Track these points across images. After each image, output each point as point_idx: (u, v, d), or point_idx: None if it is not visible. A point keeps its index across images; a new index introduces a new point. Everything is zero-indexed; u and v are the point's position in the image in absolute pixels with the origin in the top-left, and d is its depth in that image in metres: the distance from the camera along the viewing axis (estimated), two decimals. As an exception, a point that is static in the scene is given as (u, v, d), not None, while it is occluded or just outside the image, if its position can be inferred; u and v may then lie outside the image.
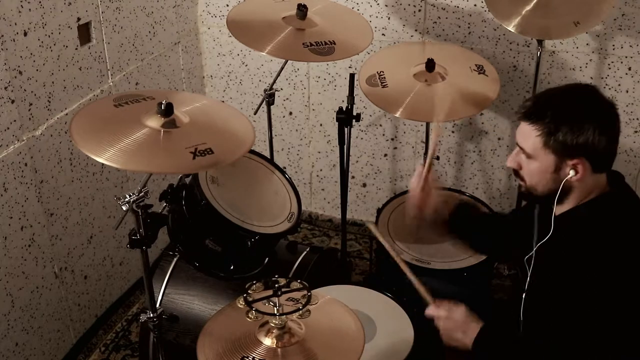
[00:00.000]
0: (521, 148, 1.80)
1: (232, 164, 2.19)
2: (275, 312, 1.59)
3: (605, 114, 1.76)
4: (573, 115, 1.73)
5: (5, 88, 2.21)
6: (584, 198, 1.80)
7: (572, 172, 1.75)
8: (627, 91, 2.86)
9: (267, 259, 2.31)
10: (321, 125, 3.34)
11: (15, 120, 2.27)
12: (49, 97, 2.41)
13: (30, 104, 2.33)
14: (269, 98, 2.75)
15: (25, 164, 2.34)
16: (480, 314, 1.92)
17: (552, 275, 1.83)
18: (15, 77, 2.24)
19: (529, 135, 1.76)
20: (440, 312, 1.91)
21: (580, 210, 1.80)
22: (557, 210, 1.81)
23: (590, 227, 1.78)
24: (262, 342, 1.59)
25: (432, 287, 2.31)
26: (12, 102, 2.24)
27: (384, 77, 2.52)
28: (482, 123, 3.10)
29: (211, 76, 3.40)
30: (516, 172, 1.85)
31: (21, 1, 2.21)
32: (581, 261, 1.74)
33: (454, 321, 1.89)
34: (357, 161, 3.34)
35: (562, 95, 1.79)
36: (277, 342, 1.59)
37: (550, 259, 1.85)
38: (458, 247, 2.34)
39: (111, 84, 2.71)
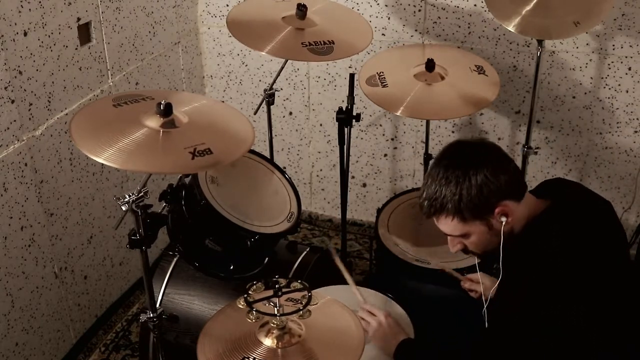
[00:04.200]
0: (452, 235, 1.85)
1: (231, 164, 2.19)
2: (276, 313, 1.59)
3: (480, 154, 1.79)
4: (459, 182, 1.75)
5: (5, 88, 2.21)
6: (523, 226, 1.81)
7: (503, 219, 1.77)
8: (627, 91, 2.86)
9: (267, 259, 2.31)
10: (321, 125, 3.34)
11: (15, 120, 2.27)
12: (49, 97, 2.41)
13: (30, 104, 2.33)
14: (269, 98, 2.75)
15: (25, 164, 2.34)
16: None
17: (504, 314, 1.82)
18: (15, 77, 2.24)
19: (447, 224, 1.82)
20: (377, 318, 1.97)
21: (520, 240, 1.80)
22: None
23: (525, 258, 1.77)
24: (262, 343, 1.59)
25: (431, 287, 2.31)
26: (12, 102, 2.24)
27: (384, 77, 2.52)
28: (482, 123, 3.10)
29: (211, 76, 3.40)
30: (465, 251, 1.89)
31: (21, 1, 2.21)
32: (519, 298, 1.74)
33: (383, 328, 1.95)
34: (357, 161, 3.34)
35: (439, 177, 1.80)
36: (277, 343, 1.59)
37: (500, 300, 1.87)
38: None
39: (111, 84, 2.71)
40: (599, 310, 1.70)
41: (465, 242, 1.85)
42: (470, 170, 1.75)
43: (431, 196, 1.79)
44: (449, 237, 1.87)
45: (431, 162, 1.88)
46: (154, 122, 1.77)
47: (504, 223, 1.76)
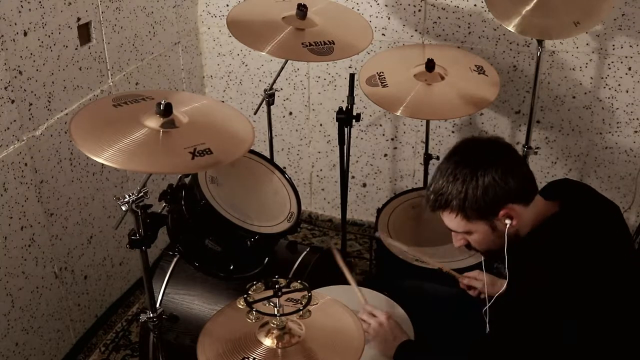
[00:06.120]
0: (456, 231, 1.84)
1: (231, 164, 2.19)
2: (276, 313, 1.59)
3: (492, 155, 1.77)
4: (465, 181, 1.74)
5: (5, 88, 2.21)
6: (530, 229, 1.79)
7: (507, 221, 1.75)
8: (627, 91, 2.86)
9: (267, 259, 2.31)
10: (321, 125, 3.34)
11: (15, 120, 2.27)
12: (49, 97, 2.41)
13: (30, 104, 2.33)
14: (269, 98, 2.75)
15: (25, 164, 2.34)
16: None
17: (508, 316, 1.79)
18: (15, 77, 2.24)
19: (451, 220, 1.81)
20: (377, 319, 1.96)
21: (527, 242, 1.78)
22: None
23: (531, 261, 1.75)
24: (262, 343, 1.60)
25: (431, 287, 2.31)
26: (12, 102, 2.24)
27: (384, 78, 2.52)
28: (482, 123, 3.10)
29: (211, 76, 3.40)
30: (468, 247, 1.88)
31: (21, 1, 2.21)
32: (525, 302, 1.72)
33: (384, 329, 1.94)
34: (357, 161, 3.34)
35: (447, 172, 1.78)
36: (277, 343, 1.59)
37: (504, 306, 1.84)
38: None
39: (111, 84, 2.71)
40: (603, 313, 1.70)
41: (469, 239, 1.84)
42: (479, 170, 1.73)
43: (437, 191, 1.79)
44: (452, 232, 1.87)
45: (444, 156, 1.86)
46: (154, 122, 1.77)
47: (508, 226, 1.75)
